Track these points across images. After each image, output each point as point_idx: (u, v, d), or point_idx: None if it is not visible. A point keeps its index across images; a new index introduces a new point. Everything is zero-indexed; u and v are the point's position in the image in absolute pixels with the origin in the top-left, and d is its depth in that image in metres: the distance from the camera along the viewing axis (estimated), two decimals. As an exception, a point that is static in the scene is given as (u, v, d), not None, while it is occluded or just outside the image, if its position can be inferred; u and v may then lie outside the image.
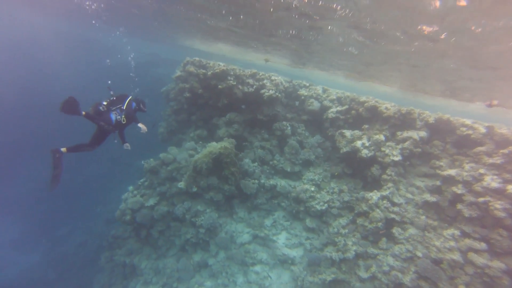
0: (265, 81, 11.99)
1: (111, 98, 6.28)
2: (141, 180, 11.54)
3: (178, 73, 12.94)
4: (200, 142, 12.65)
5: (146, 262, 11.00)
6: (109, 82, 6.85)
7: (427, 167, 10.78)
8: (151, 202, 10.88)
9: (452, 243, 8.12)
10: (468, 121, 10.16)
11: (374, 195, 9.67)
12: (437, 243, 8.29)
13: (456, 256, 7.82)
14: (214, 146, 10.72)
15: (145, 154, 27.95)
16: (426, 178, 10.58)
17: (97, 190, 27.50)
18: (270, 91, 11.74)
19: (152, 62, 36.18)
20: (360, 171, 11.73)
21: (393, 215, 9.44)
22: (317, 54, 13.54)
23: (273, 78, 12.13)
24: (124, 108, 6.36)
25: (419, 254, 8.47)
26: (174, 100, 13.71)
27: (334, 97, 13.01)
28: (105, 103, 6.08)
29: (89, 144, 5.96)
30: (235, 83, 11.68)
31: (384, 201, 9.70)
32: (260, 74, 12.18)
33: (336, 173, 11.79)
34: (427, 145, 10.77)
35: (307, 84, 14.03)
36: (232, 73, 11.70)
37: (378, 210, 9.50)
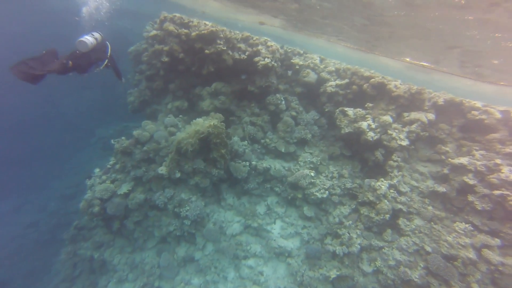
0: (259, 47, 10.19)
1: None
2: (111, 163, 9.61)
3: (153, 32, 10.55)
4: (180, 115, 10.78)
5: (119, 257, 9.50)
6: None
7: (430, 151, 10.18)
8: (124, 189, 9.13)
9: (467, 240, 7.64)
10: (478, 104, 9.50)
11: (382, 185, 8.86)
12: (449, 238, 7.78)
13: (471, 254, 7.37)
14: (201, 124, 9.04)
15: (106, 119, 24.99)
16: (429, 164, 9.99)
17: (49, 160, 24.15)
18: (266, 59, 10.03)
19: (111, 12, 31.19)
20: (359, 153, 10.87)
21: (400, 206, 8.79)
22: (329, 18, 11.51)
23: (269, 44, 10.35)
24: (107, 63, 5.97)
25: (428, 248, 7.95)
26: (148, 64, 11.41)
27: (333, 69, 11.65)
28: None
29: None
30: (225, 48, 9.75)
31: (391, 191, 8.98)
32: (254, 39, 10.30)
33: (334, 154, 10.81)
34: (432, 128, 10.07)
35: (301, 52, 12.44)
36: (222, 35, 9.70)
37: (385, 200, 8.76)
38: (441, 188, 8.66)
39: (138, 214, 9.30)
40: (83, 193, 17.69)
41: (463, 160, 8.50)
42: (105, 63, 5.98)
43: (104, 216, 9.07)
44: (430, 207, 8.70)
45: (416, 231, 8.43)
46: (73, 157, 23.42)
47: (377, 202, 8.88)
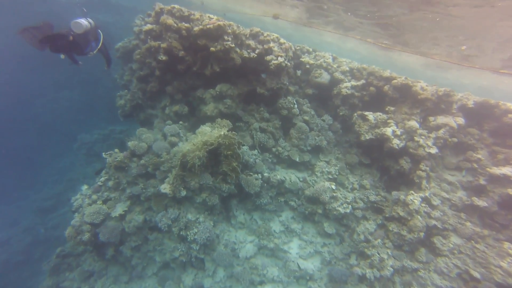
0: (271, 44, 9.01)
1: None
2: (102, 179, 8.22)
3: (148, 25, 9.16)
4: (180, 122, 9.50)
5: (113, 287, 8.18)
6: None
7: (457, 158, 9.35)
8: (119, 210, 7.81)
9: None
10: (513, 106, 8.71)
11: (415, 199, 7.91)
12: (504, 264, 6.91)
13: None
14: (208, 134, 7.81)
15: (88, 122, 22.97)
16: (457, 172, 9.17)
17: (22, 168, 21.62)
18: (279, 58, 8.87)
19: (90, 4, 28.85)
20: (378, 160, 9.93)
21: (434, 222, 7.88)
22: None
23: (281, 41, 9.17)
24: (100, 46, 6.10)
25: (475, 274, 7.06)
26: (140, 63, 9.98)
27: (347, 69, 10.62)
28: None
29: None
30: (233, 45, 8.51)
31: (423, 204, 8.06)
32: (265, 35, 9.10)
33: (352, 162, 9.84)
34: (460, 133, 9.23)
35: (310, 50, 11.34)
36: (229, 30, 8.44)
37: (419, 216, 7.82)
38: (481, 202, 7.78)
39: (137, 238, 8.00)
40: (65, 205, 15.69)
41: (506, 170, 7.65)
42: (99, 46, 6.10)
43: (96, 243, 7.72)
44: (468, 223, 7.84)
45: (455, 251, 7.56)
46: (52, 164, 21.17)
47: (409, 218, 7.94)
